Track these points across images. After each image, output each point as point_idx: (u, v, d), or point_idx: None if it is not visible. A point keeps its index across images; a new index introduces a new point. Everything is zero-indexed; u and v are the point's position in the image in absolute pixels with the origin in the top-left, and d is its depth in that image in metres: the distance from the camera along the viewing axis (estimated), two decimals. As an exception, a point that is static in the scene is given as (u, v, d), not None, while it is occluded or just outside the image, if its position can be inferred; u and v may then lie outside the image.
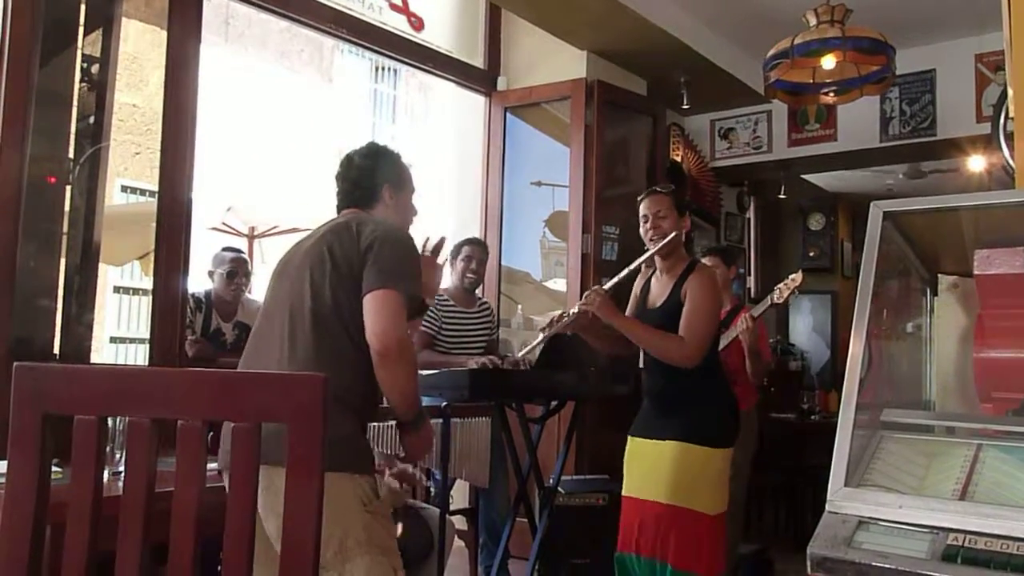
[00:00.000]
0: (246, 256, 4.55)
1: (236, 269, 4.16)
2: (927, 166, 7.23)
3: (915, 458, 1.48)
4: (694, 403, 2.94)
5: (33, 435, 1.18)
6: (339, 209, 2.35)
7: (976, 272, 1.69)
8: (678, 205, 3.09)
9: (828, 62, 3.61)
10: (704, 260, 3.71)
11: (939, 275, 1.91)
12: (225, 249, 4.37)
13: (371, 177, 2.32)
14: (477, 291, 4.45)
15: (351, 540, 1.92)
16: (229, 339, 4.15)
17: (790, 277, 4.09)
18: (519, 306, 5.79)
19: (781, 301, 4.12)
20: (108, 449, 2.26)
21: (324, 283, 2.09)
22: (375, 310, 2.02)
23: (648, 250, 3.08)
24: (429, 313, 4.12)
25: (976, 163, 6.01)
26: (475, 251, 4.35)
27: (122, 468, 2.14)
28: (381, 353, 2.01)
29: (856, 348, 1.50)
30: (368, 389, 2.09)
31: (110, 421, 2.12)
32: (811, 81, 3.88)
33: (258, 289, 4.83)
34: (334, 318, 2.07)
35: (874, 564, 1.28)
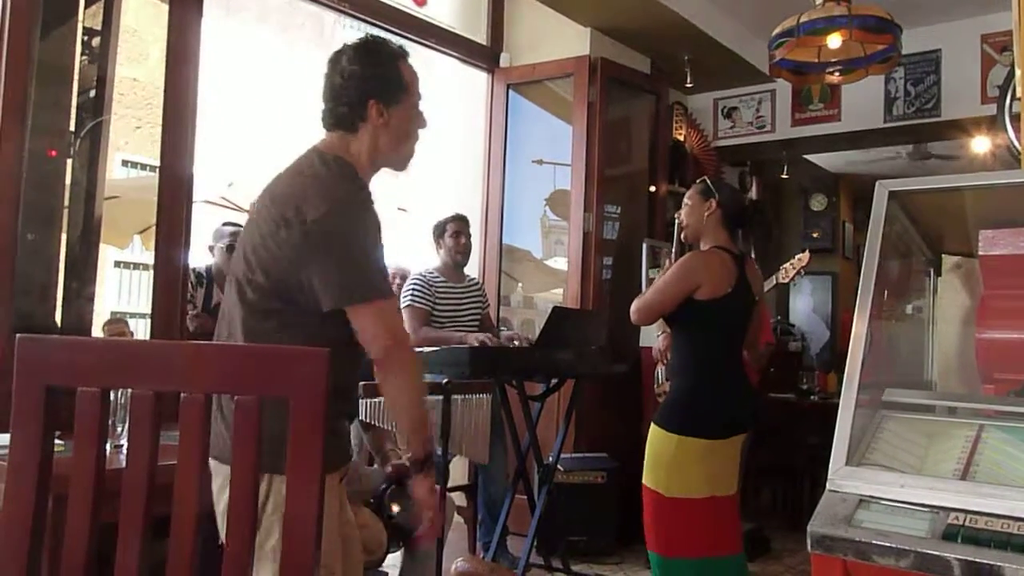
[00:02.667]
0: (246, 231, 4.54)
1: (236, 243, 4.15)
2: (931, 147, 7.19)
3: (916, 438, 1.48)
4: (673, 388, 3.05)
5: (36, 407, 1.18)
6: (324, 126, 1.98)
7: (980, 253, 1.69)
8: (702, 191, 3.11)
9: (834, 41, 3.58)
10: None
11: (943, 255, 1.91)
12: (225, 224, 4.37)
13: (354, 87, 1.89)
14: (475, 269, 4.46)
15: (266, 543, 1.70)
16: (230, 314, 4.15)
17: (796, 257, 4.05)
18: (519, 284, 5.79)
19: (787, 280, 4.10)
20: (110, 422, 2.26)
21: (263, 278, 1.83)
22: (363, 326, 1.80)
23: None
24: (423, 290, 4.20)
25: (980, 144, 5.98)
26: (461, 226, 4.43)
27: (124, 441, 2.15)
28: (381, 362, 1.83)
29: (859, 327, 1.50)
30: None
31: (112, 394, 2.12)
32: (816, 60, 3.85)
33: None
34: (269, 312, 1.83)
35: (874, 542, 1.28)
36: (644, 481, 2.94)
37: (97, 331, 3.39)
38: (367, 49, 1.91)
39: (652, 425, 2.96)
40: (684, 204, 3.15)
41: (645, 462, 2.95)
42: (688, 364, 3.01)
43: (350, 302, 1.78)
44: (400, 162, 2.00)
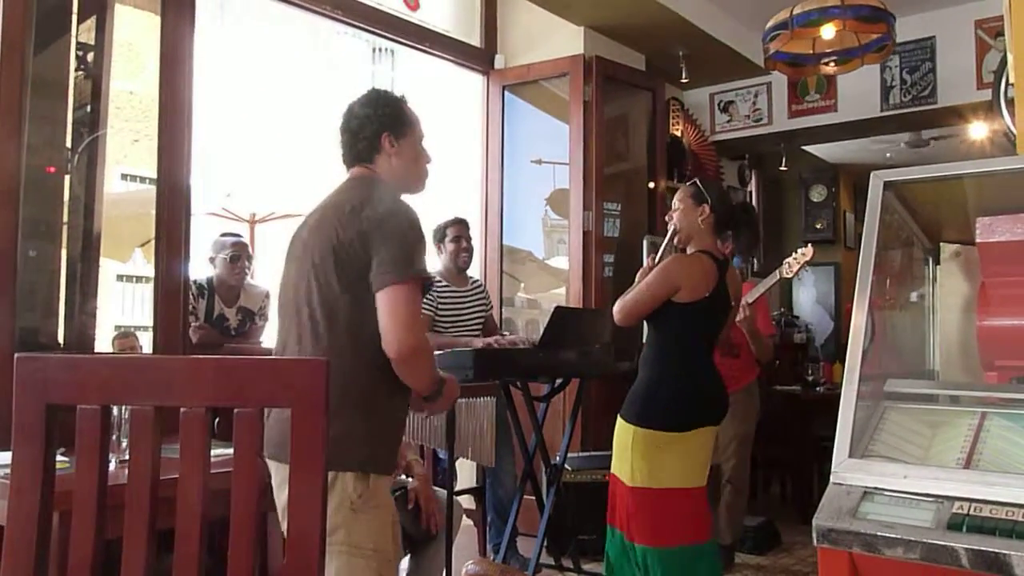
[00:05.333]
0: (246, 240, 4.55)
1: (239, 253, 4.17)
2: (929, 134, 7.18)
3: (919, 428, 1.48)
4: (639, 380, 3.07)
5: (37, 425, 1.18)
6: (345, 165, 2.29)
7: (979, 240, 1.68)
8: (695, 195, 3.13)
9: (828, 31, 3.58)
10: None
11: (941, 244, 1.90)
12: (224, 234, 4.37)
13: (369, 126, 2.23)
14: (477, 271, 4.45)
15: (332, 538, 1.87)
16: (232, 324, 4.16)
17: (799, 251, 4.02)
18: (521, 284, 5.78)
19: (791, 275, 4.07)
20: (114, 437, 2.27)
21: (331, 275, 2.03)
22: (387, 312, 1.97)
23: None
24: (426, 296, 4.14)
25: (977, 130, 5.97)
26: (461, 229, 4.38)
27: (127, 456, 2.14)
28: (396, 360, 1.99)
29: (859, 319, 1.50)
30: (375, 383, 2.02)
31: (115, 409, 2.12)
32: (811, 51, 3.85)
33: (260, 275, 4.82)
34: (337, 312, 2.02)
35: (879, 534, 1.28)
36: (614, 472, 3.03)
37: (101, 346, 3.39)
38: (376, 95, 2.29)
39: (619, 418, 3.03)
40: (675, 207, 3.16)
41: (615, 455, 3.03)
42: (654, 359, 3.06)
43: (384, 282, 1.98)
44: (411, 186, 2.32)
